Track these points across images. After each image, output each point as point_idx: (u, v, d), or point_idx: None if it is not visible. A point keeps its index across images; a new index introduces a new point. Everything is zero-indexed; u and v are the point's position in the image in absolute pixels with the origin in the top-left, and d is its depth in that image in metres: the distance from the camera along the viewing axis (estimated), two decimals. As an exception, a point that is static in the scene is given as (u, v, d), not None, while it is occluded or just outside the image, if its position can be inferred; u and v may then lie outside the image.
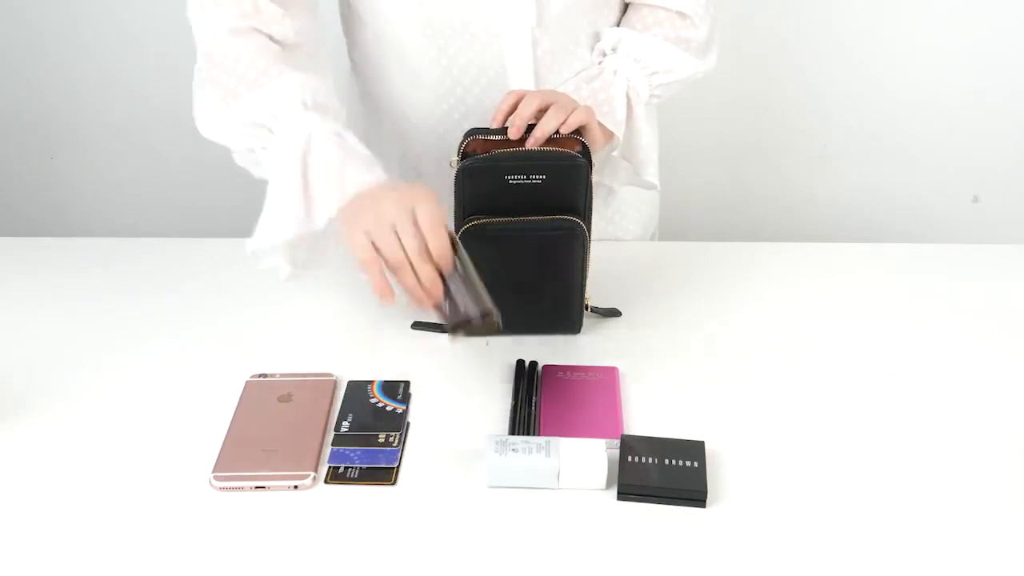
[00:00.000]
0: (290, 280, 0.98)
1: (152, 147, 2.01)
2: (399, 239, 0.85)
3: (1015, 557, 0.77)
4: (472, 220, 0.95)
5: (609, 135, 1.08)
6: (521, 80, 1.08)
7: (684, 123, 1.86)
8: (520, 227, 0.95)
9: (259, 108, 0.94)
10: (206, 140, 2.05)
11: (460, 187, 0.95)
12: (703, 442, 0.87)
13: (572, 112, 0.97)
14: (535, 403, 0.94)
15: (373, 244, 0.86)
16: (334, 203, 0.90)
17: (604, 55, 1.12)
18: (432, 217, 0.86)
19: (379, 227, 0.86)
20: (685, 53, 1.11)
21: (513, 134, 0.95)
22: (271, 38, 0.99)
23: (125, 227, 2.07)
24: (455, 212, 0.97)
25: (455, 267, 0.87)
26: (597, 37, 1.13)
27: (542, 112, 0.99)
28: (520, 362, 0.99)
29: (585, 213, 0.97)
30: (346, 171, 0.92)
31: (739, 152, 2.00)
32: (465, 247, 0.96)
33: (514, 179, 0.94)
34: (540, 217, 0.95)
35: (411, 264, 0.85)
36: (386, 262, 0.86)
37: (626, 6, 1.15)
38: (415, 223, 0.86)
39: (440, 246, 0.86)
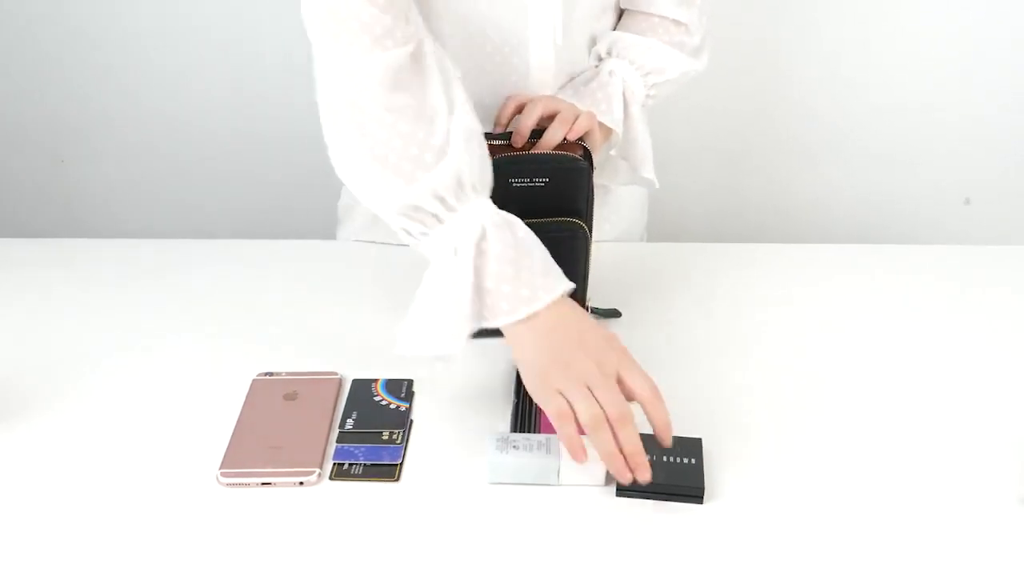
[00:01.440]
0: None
1: (159, 150, 2.02)
2: (595, 398, 0.80)
3: (1012, 555, 0.79)
4: (475, 223, 0.96)
5: (608, 134, 1.10)
6: (544, 93, 1.09)
7: (678, 126, 1.89)
8: None
9: (427, 195, 0.84)
10: (210, 142, 2.06)
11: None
12: (700, 439, 0.89)
13: (576, 119, 0.99)
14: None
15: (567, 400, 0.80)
16: (506, 318, 0.83)
17: (600, 58, 1.14)
18: (646, 383, 0.82)
19: (574, 386, 0.80)
20: (678, 53, 1.13)
21: (517, 142, 0.97)
22: (411, 55, 0.87)
23: (133, 229, 2.08)
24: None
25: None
26: (594, 41, 1.15)
27: (544, 118, 1.01)
28: (521, 361, 1.01)
29: (587, 215, 0.99)
30: (522, 278, 0.83)
31: (733, 155, 2.01)
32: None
33: (517, 182, 0.95)
34: (543, 220, 0.96)
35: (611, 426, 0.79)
36: (581, 421, 0.80)
37: (621, 12, 1.17)
38: (616, 384, 0.81)
39: (661, 418, 0.82)
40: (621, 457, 0.80)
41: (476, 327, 0.85)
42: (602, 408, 0.79)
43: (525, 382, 0.84)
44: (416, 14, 0.90)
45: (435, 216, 0.85)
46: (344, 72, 0.86)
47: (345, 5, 0.85)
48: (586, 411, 0.79)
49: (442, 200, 0.85)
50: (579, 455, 0.80)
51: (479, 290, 0.84)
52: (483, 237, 0.84)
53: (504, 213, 0.87)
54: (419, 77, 0.87)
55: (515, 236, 0.86)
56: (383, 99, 0.85)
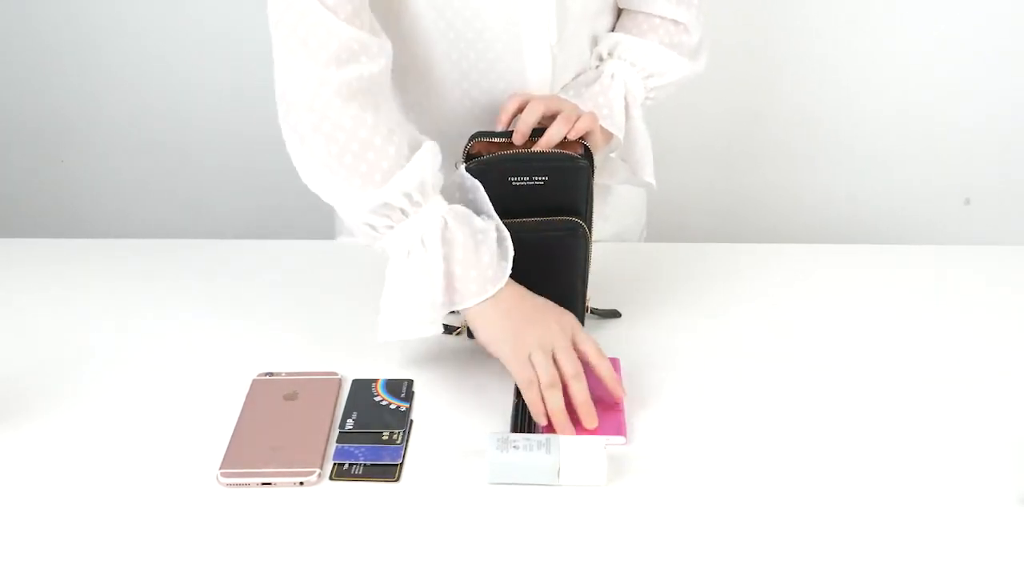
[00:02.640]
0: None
1: (159, 150, 2.03)
2: (556, 362, 0.92)
3: (1012, 555, 0.79)
4: (476, 223, 0.97)
5: (609, 137, 1.10)
6: (539, 92, 1.09)
7: (678, 127, 1.89)
8: (523, 228, 0.97)
9: (394, 194, 0.92)
10: (210, 142, 2.06)
11: (464, 190, 0.97)
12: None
13: (578, 119, 1.00)
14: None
15: (531, 363, 0.91)
16: (475, 299, 0.94)
17: (601, 59, 1.14)
18: (594, 346, 0.94)
19: (542, 348, 0.92)
20: (678, 56, 1.14)
21: (518, 140, 0.97)
22: (369, 77, 0.94)
23: (134, 229, 2.09)
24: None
25: None
26: (594, 41, 1.15)
27: (546, 117, 1.01)
28: (521, 361, 1.01)
29: (587, 214, 0.99)
30: (483, 262, 0.93)
31: (733, 156, 2.02)
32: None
33: (517, 180, 0.96)
34: (542, 218, 0.97)
35: (564, 384, 0.91)
36: (540, 381, 0.91)
37: (619, 11, 1.17)
38: (574, 347, 0.93)
39: (608, 373, 0.93)
40: (567, 414, 0.91)
41: (447, 310, 0.95)
42: (559, 369, 0.91)
43: (496, 353, 0.94)
44: (382, 37, 0.97)
45: (402, 211, 0.93)
46: (303, 80, 0.93)
47: (307, 16, 0.91)
48: (546, 373, 0.90)
49: (408, 197, 0.93)
50: (541, 417, 0.91)
51: (448, 276, 0.93)
52: (446, 227, 0.93)
53: (458, 207, 0.95)
54: (375, 97, 0.95)
55: (473, 227, 0.94)
56: (341, 108, 0.92)
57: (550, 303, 0.97)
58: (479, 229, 0.94)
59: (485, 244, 0.94)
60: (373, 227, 0.95)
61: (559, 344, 0.92)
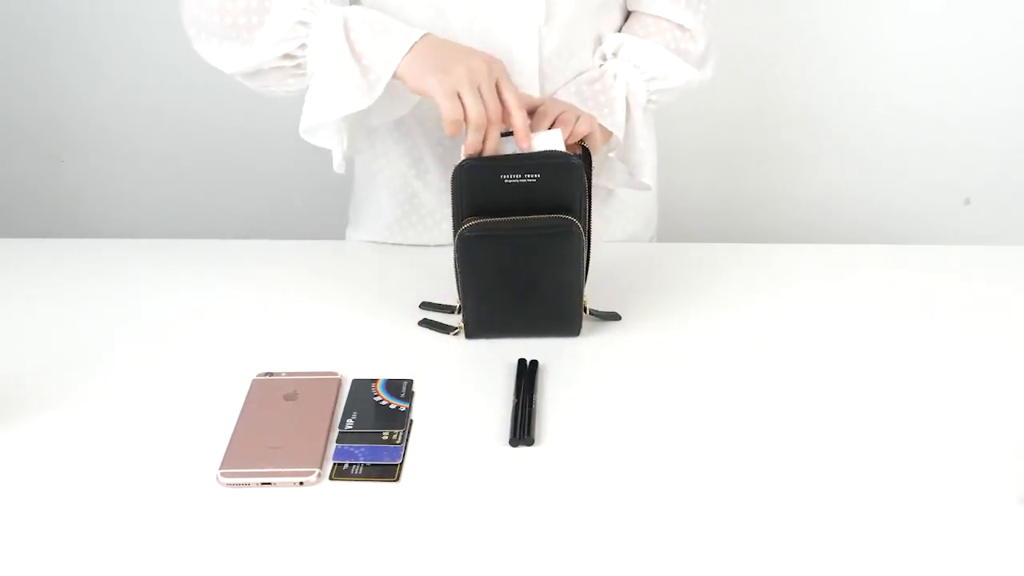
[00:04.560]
0: (340, 170, 1.04)
1: (159, 150, 2.03)
2: (484, 101, 0.94)
3: (1012, 555, 0.79)
4: (469, 220, 0.97)
5: (608, 136, 1.10)
6: (526, 77, 1.10)
7: (680, 127, 1.89)
8: (515, 226, 0.96)
9: (289, 10, 0.97)
10: (211, 142, 2.06)
11: (457, 186, 0.97)
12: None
13: (577, 120, 1.00)
14: (535, 402, 0.96)
15: (459, 98, 0.93)
16: (393, 60, 0.96)
17: (605, 59, 1.14)
18: (516, 96, 0.96)
19: (470, 86, 0.93)
20: (683, 62, 1.13)
21: (523, 148, 0.98)
22: None
23: (134, 228, 2.09)
24: (453, 212, 0.99)
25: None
26: (599, 40, 1.15)
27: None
28: (521, 361, 1.01)
29: (581, 213, 0.99)
30: (392, 29, 0.97)
31: (734, 156, 2.02)
32: (463, 247, 0.98)
33: (509, 178, 0.96)
34: (535, 216, 0.97)
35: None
36: (467, 119, 0.94)
37: (628, 13, 1.17)
38: (498, 93, 0.95)
39: (521, 124, 0.96)
40: (481, 148, 0.96)
41: (379, 86, 0.97)
42: (488, 107, 0.94)
43: (424, 88, 0.95)
44: None
45: (301, 23, 0.98)
46: None
47: None
48: (473, 111, 0.93)
49: (302, 8, 0.97)
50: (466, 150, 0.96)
51: (358, 57, 0.97)
52: (346, 20, 0.98)
53: (358, 8, 1.00)
54: None
55: (373, 14, 0.99)
56: None
57: (479, 50, 0.98)
58: (377, 13, 0.99)
59: (387, 20, 0.98)
60: (291, 55, 0.99)
61: (485, 83, 0.94)
